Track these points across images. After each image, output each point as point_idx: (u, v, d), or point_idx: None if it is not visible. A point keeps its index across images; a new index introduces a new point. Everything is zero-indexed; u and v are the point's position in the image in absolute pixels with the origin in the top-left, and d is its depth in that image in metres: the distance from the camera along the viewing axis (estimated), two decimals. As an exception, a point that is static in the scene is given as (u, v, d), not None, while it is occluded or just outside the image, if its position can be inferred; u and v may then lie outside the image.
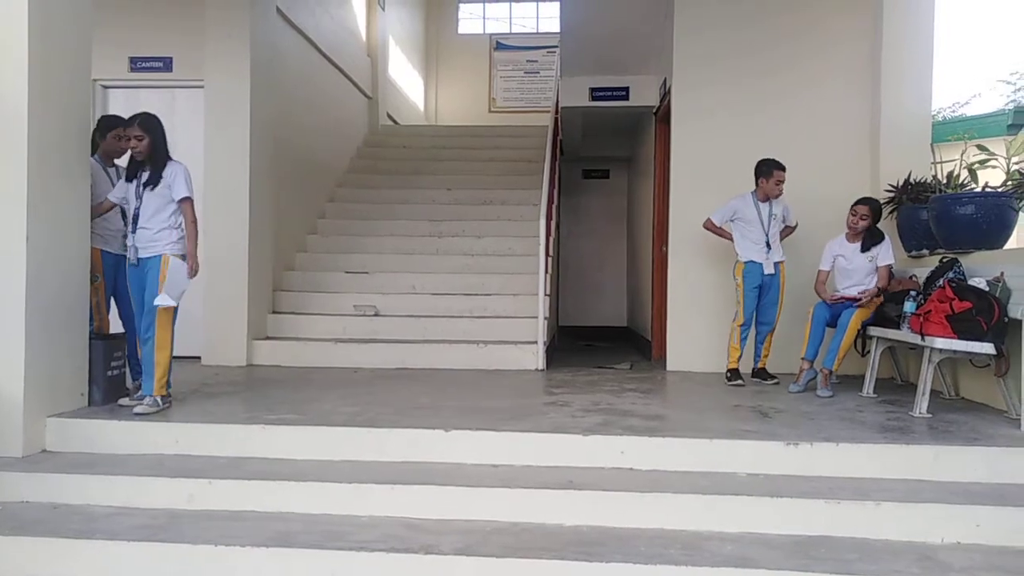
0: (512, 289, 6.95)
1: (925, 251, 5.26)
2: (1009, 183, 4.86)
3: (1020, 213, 4.82)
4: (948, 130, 8.87)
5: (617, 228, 11.00)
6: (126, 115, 4.35)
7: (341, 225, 8.11)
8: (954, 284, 4.28)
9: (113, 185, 4.46)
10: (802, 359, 5.08)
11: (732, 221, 5.49)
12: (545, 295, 6.53)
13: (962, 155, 5.18)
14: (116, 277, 4.52)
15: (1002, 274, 4.21)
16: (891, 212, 5.54)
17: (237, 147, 6.16)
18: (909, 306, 4.49)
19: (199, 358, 6.17)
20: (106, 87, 6.67)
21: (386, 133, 10.44)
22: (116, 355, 4.42)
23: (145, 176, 4.20)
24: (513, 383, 5.45)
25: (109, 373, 4.35)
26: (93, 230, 4.32)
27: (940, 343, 4.14)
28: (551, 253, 7.11)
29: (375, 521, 3.20)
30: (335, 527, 3.13)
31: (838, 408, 4.47)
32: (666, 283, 6.38)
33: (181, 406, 4.33)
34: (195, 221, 4.26)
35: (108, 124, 4.71)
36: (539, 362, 6.15)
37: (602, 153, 10.48)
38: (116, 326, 4.67)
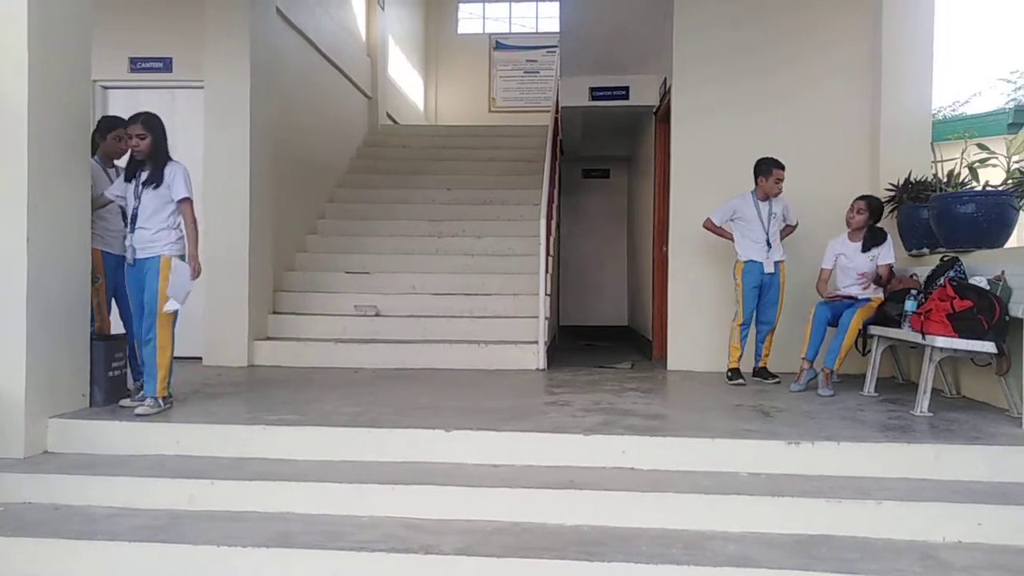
0: (512, 289, 6.95)
1: (926, 250, 5.26)
2: (1010, 182, 4.85)
3: (1021, 212, 4.81)
4: (948, 129, 8.87)
5: (617, 228, 11.00)
6: (126, 116, 4.34)
7: (341, 225, 8.11)
8: (955, 283, 4.28)
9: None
10: (803, 359, 5.08)
11: (732, 220, 5.49)
12: (545, 295, 6.52)
13: (962, 154, 5.17)
14: (117, 278, 4.51)
15: (1003, 273, 4.21)
16: (892, 211, 5.54)
17: (237, 147, 6.16)
18: (910, 305, 4.49)
19: (200, 359, 6.17)
20: (106, 88, 6.67)
21: (386, 133, 10.44)
22: (117, 356, 4.42)
23: (144, 175, 4.19)
24: (514, 383, 5.45)
25: (110, 374, 4.35)
26: (94, 231, 4.32)
27: (941, 342, 4.14)
28: (551, 253, 7.11)
29: (376, 521, 3.20)
30: (336, 527, 3.13)
31: (839, 407, 4.47)
32: (666, 282, 6.38)
33: (182, 407, 4.33)
34: (195, 222, 4.26)
35: (108, 125, 4.71)
36: (540, 362, 6.15)
37: (602, 153, 10.48)
38: (117, 327, 4.67)
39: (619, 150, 10.28)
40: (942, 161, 5.39)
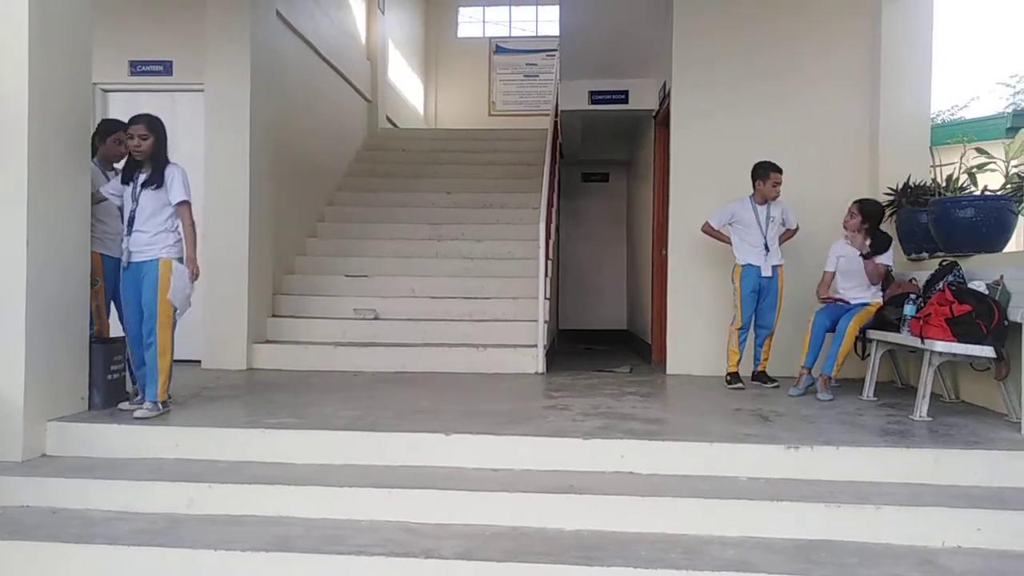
0: (512, 292, 6.96)
1: (924, 254, 5.26)
2: (1008, 186, 4.86)
3: (1019, 216, 4.82)
4: (947, 133, 8.91)
5: (617, 231, 11.01)
6: (126, 119, 4.34)
7: (340, 228, 8.12)
8: (954, 287, 4.28)
9: (112, 190, 4.45)
10: (802, 367, 5.09)
11: (731, 225, 5.50)
12: (545, 298, 6.53)
13: (961, 158, 5.18)
14: (116, 281, 4.49)
15: (1002, 277, 4.21)
16: (891, 215, 5.55)
17: (237, 150, 6.17)
18: (909, 309, 4.50)
19: (199, 362, 6.17)
20: (106, 91, 6.68)
21: (385, 136, 10.45)
22: (116, 359, 4.41)
23: (143, 177, 4.17)
24: (513, 387, 5.44)
25: (109, 377, 4.35)
26: (93, 234, 4.32)
27: (940, 346, 4.14)
28: (551, 256, 7.11)
29: (375, 525, 3.20)
30: (335, 531, 3.13)
31: (838, 412, 4.47)
32: (666, 286, 6.39)
33: (181, 410, 4.33)
34: (193, 225, 4.24)
35: (108, 128, 4.71)
36: (539, 366, 6.15)
37: (602, 156, 10.48)
38: (116, 330, 4.66)
39: (619, 154, 10.29)
40: (941, 165, 5.41)
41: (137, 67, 6.69)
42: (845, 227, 5.17)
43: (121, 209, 4.33)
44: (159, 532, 3.13)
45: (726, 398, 4.99)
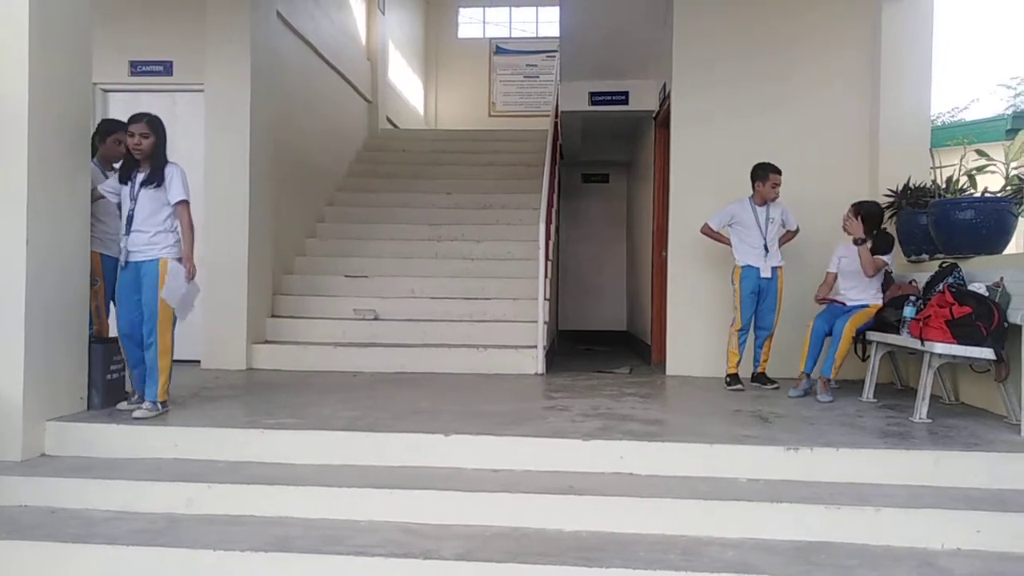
0: (511, 293, 6.96)
1: (925, 256, 5.26)
2: (1008, 188, 4.86)
3: (1019, 218, 4.82)
4: (947, 135, 8.91)
5: (616, 232, 11.01)
6: (126, 119, 4.33)
7: (341, 229, 8.12)
8: (954, 289, 4.28)
9: (112, 189, 4.44)
10: (802, 372, 5.08)
11: (730, 226, 5.50)
12: (545, 299, 6.53)
13: (961, 160, 5.18)
14: (116, 281, 4.49)
15: (1001, 279, 4.21)
16: (891, 217, 5.55)
17: (237, 151, 6.17)
18: (909, 311, 4.50)
19: (198, 362, 6.17)
20: (106, 91, 6.68)
21: (386, 137, 10.46)
22: (115, 359, 4.40)
23: (141, 176, 4.15)
24: (513, 387, 5.44)
25: (108, 377, 4.34)
26: (93, 234, 4.31)
27: (940, 348, 4.14)
28: (551, 257, 7.11)
29: (374, 526, 3.19)
30: (334, 532, 3.13)
31: (838, 413, 4.46)
32: (665, 287, 6.39)
33: (180, 410, 4.33)
34: (191, 225, 4.22)
35: (108, 128, 4.71)
36: (539, 366, 6.15)
37: (602, 157, 10.49)
38: (115, 330, 4.65)
39: (619, 155, 10.29)
40: (941, 167, 5.41)
41: (137, 67, 6.69)
42: (844, 229, 5.16)
43: (119, 208, 4.31)
44: (158, 532, 3.12)
45: (726, 399, 4.99)
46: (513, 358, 6.18)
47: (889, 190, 5.58)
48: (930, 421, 4.17)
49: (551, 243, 7.13)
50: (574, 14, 7.53)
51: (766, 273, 5.38)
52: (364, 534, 3.11)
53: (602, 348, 8.91)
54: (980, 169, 5.22)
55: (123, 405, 4.27)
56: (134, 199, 4.15)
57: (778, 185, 5.36)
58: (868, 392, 4.92)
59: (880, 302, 5.03)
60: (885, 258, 5.04)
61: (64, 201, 4.01)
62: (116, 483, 3.44)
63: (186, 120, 6.40)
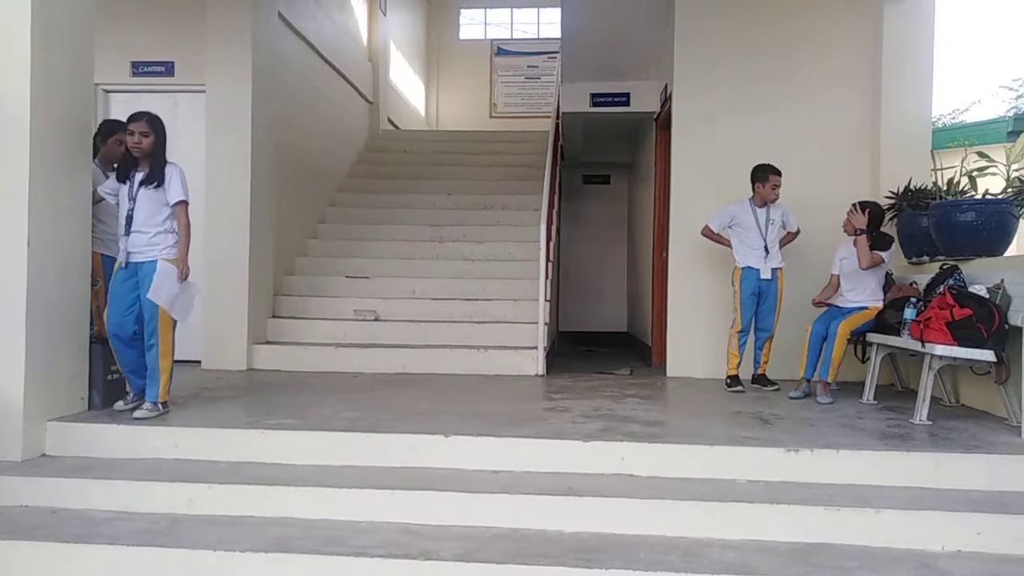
0: (512, 294, 6.96)
1: (925, 258, 5.26)
2: (1009, 190, 4.86)
3: (1020, 220, 4.82)
4: (948, 137, 8.91)
5: (617, 233, 11.02)
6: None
7: (342, 229, 8.13)
8: (954, 291, 4.28)
9: (112, 190, 4.43)
10: (801, 377, 5.08)
11: (731, 227, 5.50)
12: (545, 300, 6.53)
13: (962, 162, 5.18)
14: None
15: (1002, 281, 4.21)
16: (891, 219, 5.55)
17: (238, 152, 6.18)
18: (909, 313, 4.49)
19: (199, 362, 6.18)
20: (108, 91, 6.69)
21: (387, 138, 10.46)
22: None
23: (140, 176, 4.13)
24: (513, 388, 5.44)
25: (109, 377, 4.34)
26: (94, 234, 4.31)
27: (940, 350, 4.14)
28: (551, 258, 7.11)
29: (375, 527, 3.20)
30: (334, 532, 3.13)
31: (838, 415, 4.46)
32: (666, 288, 6.39)
33: (181, 410, 4.33)
34: (189, 225, 4.20)
35: (109, 128, 4.70)
36: (539, 367, 6.15)
37: (603, 159, 10.50)
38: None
39: (620, 156, 10.30)
40: (942, 169, 5.41)
41: (139, 68, 6.70)
42: (844, 230, 5.16)
43: (118, 207, 4.29)
44: (159, 532, 3.13)
45: (726, 401, 4.99)
46: (514, 359, 6.19)
47: (890, 192, 5.57)
48: (930, 423, 4.17)
49: (552, 244, 7.13)
50: (575, 15, 7.54)
51: (766, 275, 5.38)
52: (364, 535, 3.11)
53: (603, 349, 8.91)
54: (981, 171, 5.22)
55: (119, 404, 4.25)
56: (133, 199, 4.13)
57: (778, 186, 5.36)
58: (868, 394, 4.92)
59: (879, 303, 5.02)
60: (883, 254, 5.03)
61: (65, 202, 4.01)
62: (117, 483, 3.44)
63: (187, 121, 6.41)
